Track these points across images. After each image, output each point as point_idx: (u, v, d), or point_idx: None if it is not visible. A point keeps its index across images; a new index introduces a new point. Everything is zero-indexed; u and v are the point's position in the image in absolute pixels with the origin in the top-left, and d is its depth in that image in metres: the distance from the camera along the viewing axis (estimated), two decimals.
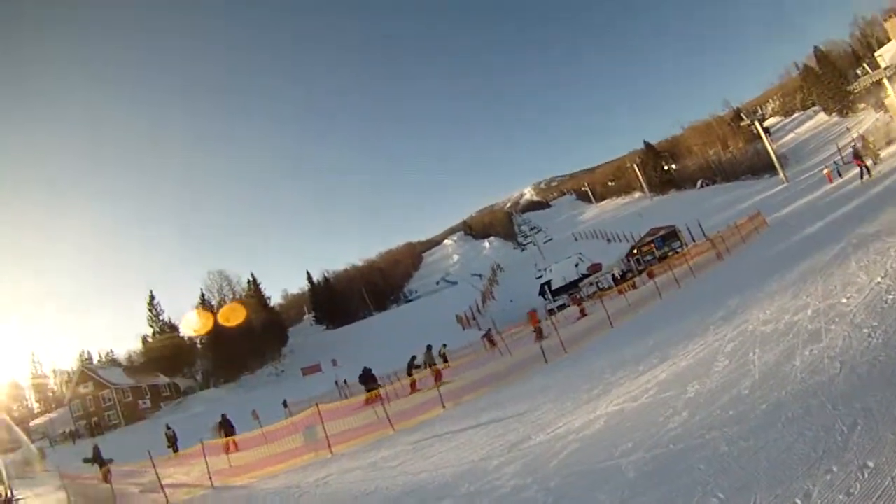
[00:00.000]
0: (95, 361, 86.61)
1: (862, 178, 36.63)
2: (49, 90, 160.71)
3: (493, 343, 41.68)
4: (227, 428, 28.73)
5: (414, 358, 32.96)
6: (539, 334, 34.54)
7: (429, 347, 33.07)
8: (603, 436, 9.95)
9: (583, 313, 38.98)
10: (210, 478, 19.61)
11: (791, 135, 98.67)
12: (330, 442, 19.73)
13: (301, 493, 14.41)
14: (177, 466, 23.87)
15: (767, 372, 9.48)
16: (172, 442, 31.52)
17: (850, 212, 26.16)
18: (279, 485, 16.50)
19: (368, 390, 28.99)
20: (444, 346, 35.95)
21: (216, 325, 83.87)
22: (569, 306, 57.32)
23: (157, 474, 20.08)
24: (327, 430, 20.36)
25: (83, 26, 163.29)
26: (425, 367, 31.38)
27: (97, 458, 26.61)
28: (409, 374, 31.41)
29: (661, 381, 12.08)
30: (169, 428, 32.89)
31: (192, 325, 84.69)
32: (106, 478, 24.12)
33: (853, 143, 57.08)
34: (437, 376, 29.16)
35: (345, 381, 51.15)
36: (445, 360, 32.90)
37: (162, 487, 19.45)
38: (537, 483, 8.89)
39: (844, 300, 11.38)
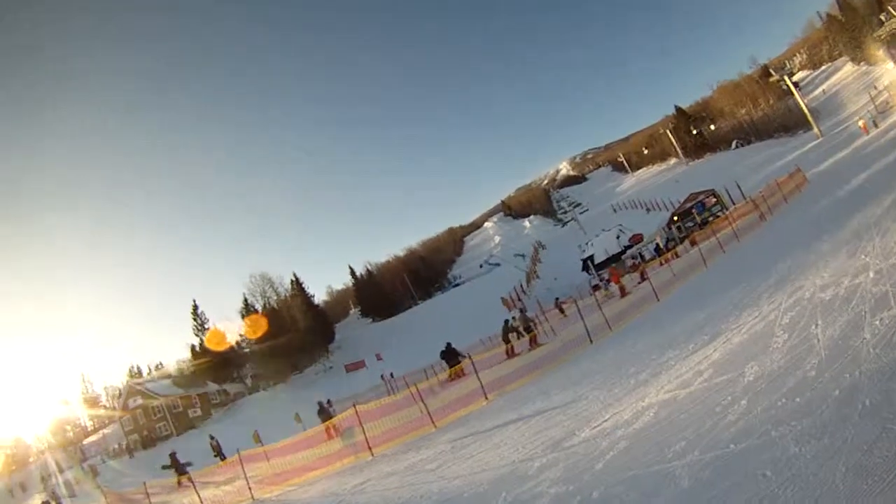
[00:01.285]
0: (145, 375, 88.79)
1: None
2: (90, 104, 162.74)
3: (563, 311, 42.40)
4: (325, 414, 28.31)
5: (507, 322, 32.91)
6: (623, 291, 35.91)
7: (521, 310, 34.29)
8: (653, 431, 8.81)
9: (643, 277, 37.91)
10: (250, 488, 19.32)
11: (820, 89, 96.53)
12: (370, 443, 19.17)
13: (338, 500, 13.95)
14: (221, 475, 23.76)
15: (834, 348, 8.26)
16: (218, 451, 31.96)
17: (894, 161, 24.96)
18: (317, 492, 16.17)
19: (451, 366, 29.32)
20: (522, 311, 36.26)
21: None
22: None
23: (195, 490, 20.31)
24: (368, 431, 19.87)
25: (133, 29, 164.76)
26: (520, 333, 31.40)
27: (175, 465, 27.07)
28: (506, 341, 31.10)
29: (715, 362, 10.90)
30: (212, 438, 33.71)
31: (232, 334, 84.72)
32: (179, 484, 25.26)
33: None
34: (533, 340, 29.85)
35: (391, 375, 50.53)
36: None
37: (201, 500, 19.77)
38: (580, 492, 7.85)
39: None
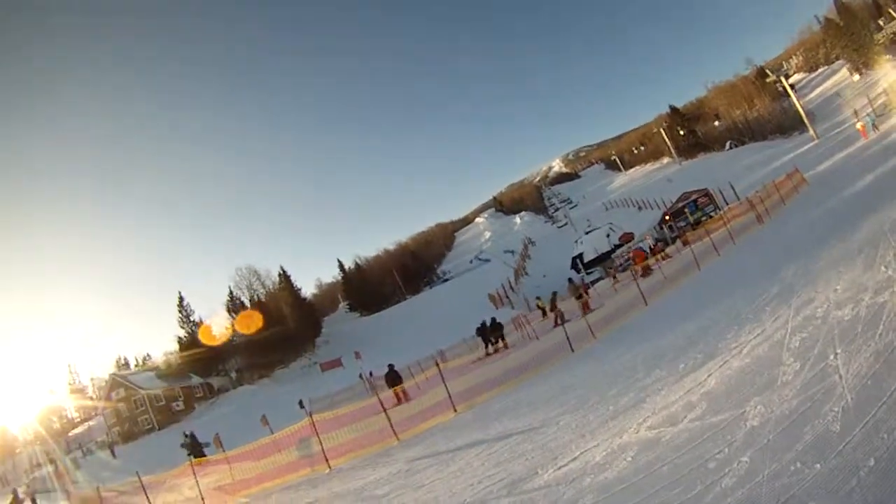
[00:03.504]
0: (133, 367, 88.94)
1: None
2: (72, 98, 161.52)
3: (587, 294, 40.38)
4: (393, 378, 27.92)
5: (555, 294, 35.34)
6: (645, 271, 36.26)
7: (570, 280, 37.19)
8: (628, 485, 6.92)
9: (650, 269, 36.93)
10: (202, 499, 18.53)
11: (817, 90, 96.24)
12: (329, 455, 17.78)
13: None
14: (185, 477, 22.09)
15: (863, 390, 6.39)
16: (192, 449, 30.37)
17: None
18: None
19: (494, 341, 31.26)
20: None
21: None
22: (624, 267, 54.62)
23: (146, 496, 19.44)
24: (329, 441, 18.53)
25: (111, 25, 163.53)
26: (577, 298, 32.60)
27: (193, 445, 27.82)
28: (553, 308, 33.06)
29: (709, 393, 9.01)
30: (186, 435, 31.91)
31: (219, 330, 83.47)
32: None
33: None
34: (586, 306, 30.66)
35: (370, 374, 48.83)
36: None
37: None
38: None
39: None
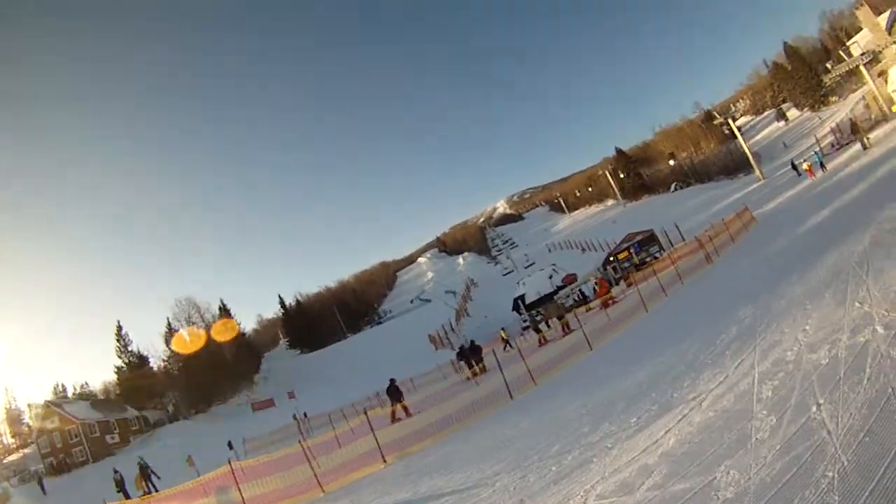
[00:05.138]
0: (70, 394, 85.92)
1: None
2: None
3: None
4: (394, 394, 26.77)
5: (537, 313, 40.29)
6: (606, 304, 35.19)
7: (555, 300, 41.16)
8: None
9: (610, 302, 36.15)
10: None
11: (763, 132, 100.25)
12: None
13: None
14: None
15: (861, 449, 5.24)
16: (121, 486, 30.42)
17: (861, 196, 22.97)
18: None
19: (478, 362, 31.41)
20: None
21: (185, 354, 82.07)
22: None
23: None
24: (251, 489, 17.39)
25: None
26: (559, 319, 35.81)
27: (123, 482, 29.18)
28: (537, 331, 35.12)
29: (669, 454, 7.58)
30: (116, 472, 31.66)
31: (160, 353, 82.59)
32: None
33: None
34: (566, 327, 32.68)
35: (304, 415, 47.40)
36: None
37: None
38: None
39: None
